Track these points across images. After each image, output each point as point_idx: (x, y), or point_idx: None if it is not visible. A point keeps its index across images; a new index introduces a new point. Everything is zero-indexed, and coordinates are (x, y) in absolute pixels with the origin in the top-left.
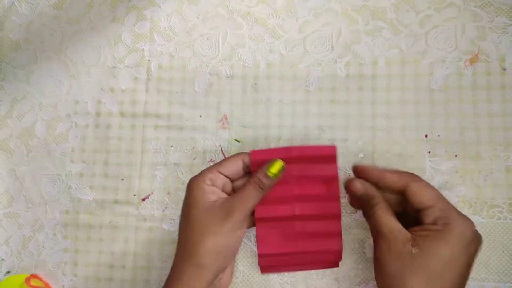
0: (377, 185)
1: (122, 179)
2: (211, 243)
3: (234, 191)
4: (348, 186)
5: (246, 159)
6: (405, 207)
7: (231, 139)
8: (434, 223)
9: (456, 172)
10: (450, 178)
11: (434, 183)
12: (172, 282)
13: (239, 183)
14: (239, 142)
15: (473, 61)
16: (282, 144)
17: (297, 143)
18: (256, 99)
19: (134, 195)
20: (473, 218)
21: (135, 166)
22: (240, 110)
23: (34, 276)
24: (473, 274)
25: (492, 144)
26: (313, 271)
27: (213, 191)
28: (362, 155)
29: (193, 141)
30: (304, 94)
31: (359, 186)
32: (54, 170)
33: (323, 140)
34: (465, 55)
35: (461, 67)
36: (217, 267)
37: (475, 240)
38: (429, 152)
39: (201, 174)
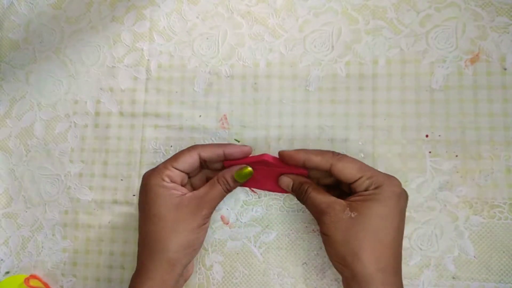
0: (304, 166)
1: (122, 179)
2: (182, 239)
3: (192, 185)
4: (280, 184)
5: (203, 153)
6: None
7: (231, 139)
8: (366, 190)
9: (457, 172)
10: (451, 178)
11: (435, 183)
12: (142, 280)
13: (197, 180)
14: (238, 142)
15: (473, 60)
16: (282, 143)
17: (297, 142)
18: (256, 98)
19: (133, 195)
20: (474, 218)
21: (135, 166)
22: (240, 109)
23: (33, 276)
24: (473, 274)
25: (493, 144)
26: (313, 271)
27: (175, 187)
28: (362, 155)
29: (193, 140)
30: (304, 94)
31: (287, 181)
32: (53, 170)
33: (323, 139)
34: (465, 55)
35: (461, 67)
36: (186, 260)
37: (403, 195)
38: (429, 152)
39: (157, 171)
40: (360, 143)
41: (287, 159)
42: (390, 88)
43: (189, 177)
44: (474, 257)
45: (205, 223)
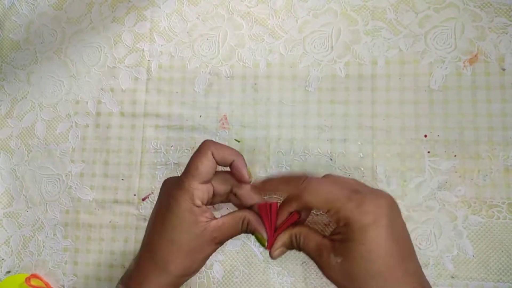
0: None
1: (122, 179)
2: (184, 265)
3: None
4: (275, 255)
5: (216, 153)
6: None
7: (231, 139)
8: (338, 224)
9: (456, 172)
10: (450, 177)
11: (434, 182)
12: (134, 283)
13: (220, 188)
14: (239, 142)
15: (472, 61)
16: (282, 143)
17: (297, 142)
18: (256, 99)
19: (134, 194)
20: (472, 218)
21: (135, 166)
22: (240, 110)
23: (34, 275)
24: (472, 273)
25: (491, 144)
26: (312, 270)
27: (202, 212)
28: (361, 155)
29: (193, 141)
30: (303, 94)
31: (280, 249)
32: (54, 170)
33: (323, 140)
34: (464, 55)
35: (460, 67)
36: (184, 281)
37: (380, 216)
38: (428, 152)
39: (185, 190)
40: (359, 143)
41: (262, 189)
42: (389, 88)
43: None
44: (473, 256)
45: (213, 251)
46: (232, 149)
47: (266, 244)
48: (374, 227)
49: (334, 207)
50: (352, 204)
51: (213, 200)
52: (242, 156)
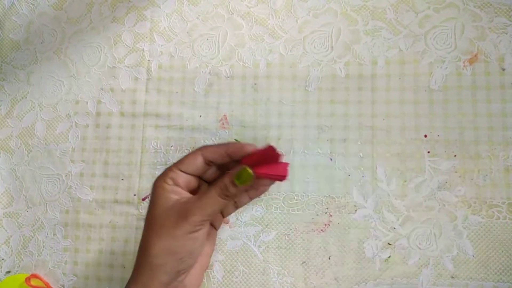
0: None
1: (122, 179)
2: (163, 245)
3: (205, 180)
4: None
5: (206, 153)
6: None
7: (231, 139)
8: None
9: (456, 172)
10: (450, 177)
11: (434, 182)
12: (130, 281)
13: (208, 174)
14: (239, 142)
15: (472, 61)
16: (282, 143)
17: (297, 143)
18: (255, 99)
19: (134, 194)
20: (472, 218)
21: (135, 166)
22: (240, 110)
23: (34, 275)
24: (472, 273)
25: (491, 143)
26: (312, 270)
27: (175, 190)
28: (361, 155)
29: (193, 141)
30: (303, 94)
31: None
32: (54, 170)
33: (323, 140)
34: (464, 55)
35: (460, 67)
36: (171, 268)
37: None
38: (428, 151)
39: (163, 173)
40: (359, 143)
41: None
42: (389, 88)
43: (206, 182)
44: (473, 256)
45: (195, 231)
46: (223, 143)
47: (250, 172)
48: None
49: None
50: None
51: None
52: (233, 142)
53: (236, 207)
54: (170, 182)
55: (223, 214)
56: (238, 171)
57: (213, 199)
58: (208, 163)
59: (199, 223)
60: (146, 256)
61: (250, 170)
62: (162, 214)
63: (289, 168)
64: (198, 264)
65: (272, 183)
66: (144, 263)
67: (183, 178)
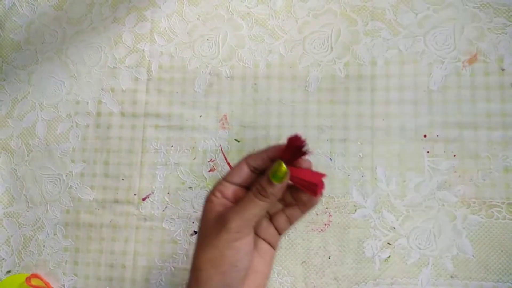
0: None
1: (123, 179)
2: (206, 257)
3: None
4: None
5: (250, 161)
6: None
7: (231, 139)
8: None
9: (455, 171)
10: (449, 177)
11: (433, 182)
12: None
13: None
14: (239, 142)
15: (471, 61)
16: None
17: None
18: (255, 99)
19: (135, 194)
20: (472, 218)
21: (136, 166)
22: (240, 110)
23: (34, 275)
24: (472, 273)
25: (491, 143)
26: (312, 270)
27: (222, 203)
28: (361, 155)
29: (193, 141)
30: (303, 94)
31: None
32: (55, 170)
33: (322, 140)
34: (463, 56)
35: (459, 68)
36: (217, 282)
37: None
38: (428, 151)
39: (213, 187)
40: (359, 143)
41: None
42: (388, 88)
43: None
44: (473, 256)
45: (235, 239)
46: (267, 148)
47: (285, 167)
48: None
49: None
50: None
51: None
52: (274, 146)
53: (290, 222)
54: (218, 195)
55: (278, 230)
56: (272, 168)
57: (250, 202)
58: (254, 170)
59: (238, 229)
60: (193, 270)
61: (284, 166)
62: (207, 226)
63: (324, 180)
64: (253, 281)
65: (316, 192)
66: (192, 277)
67: (231, 190)
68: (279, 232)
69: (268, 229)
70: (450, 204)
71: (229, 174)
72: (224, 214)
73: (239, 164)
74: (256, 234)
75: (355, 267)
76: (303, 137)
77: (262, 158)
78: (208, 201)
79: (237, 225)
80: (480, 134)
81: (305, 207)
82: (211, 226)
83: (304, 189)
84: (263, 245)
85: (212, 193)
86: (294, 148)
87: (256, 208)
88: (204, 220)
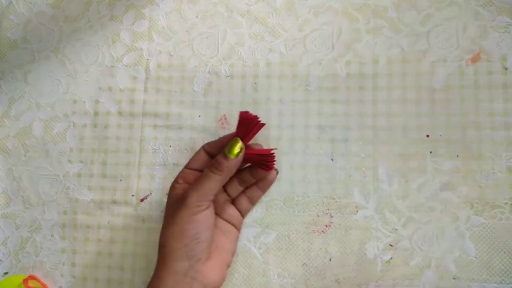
0: None
1: (120, 180)
2: (168, 232)
3: None
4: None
5: (207, 147)
6: None
7: None
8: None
9: (458, 172)
10: (452, 178)
11: (436, 183)
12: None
13: None
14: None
15: (474, 60)
16: (282, 144)
17: (297, 143)
18: (255, 98)
19: (133, 195)
20: (475, 219)
21: (134, 166)
22: (240, 109)
23: (31, 277)
24: (474, 275)
25: (494, 143)
26: (313, 272)
27: (183, 188)
28: (363, 155)
29: (192, 140)
30: (304, 93)
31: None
32: (52, 170)
33: (323, 139)
34: (466, 54)
35: (462, 66)
36: (180, 255)
37: None
38: (430, 152)
39: (176, 176)
40: (360, 143)
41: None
42: (390, 87)
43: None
44: (475, 257)
45: (194, 213)
46: (223, 136)
47: (241, 143)
48: None
49: None
50: None
51: None
52: (231, 133)
53: (251, 202)
54: (180, 181)
55: (241, 211)
56: (229, 144)
57: (206, 177)
58: (210, 155)
59: (196, 204)
60: (159, 248)
61: (240, 142)
62: (169, 208)
63: (274, 153)
64: (217, 256)
65: (272, 170)
66: (159, 254)
67: (192, 175)
68: (242, 214)
69: (230, 211)
70: (453, 205)
71: (188, 162)
72: (184, 193)
73: (197, 152)
74: (220, 216)
75: (356, 269)
76: (250, 113)
77: (219, 143)
78: (172, 188)
79: (195, 200)
80: (483, 134)
81: (264, 185)
82: (173, 206)
83: (259, 165)
84: (226, 226)
85: (175, 180)
86: (247, 121)
87: (211, 181)
88: (168, 204)
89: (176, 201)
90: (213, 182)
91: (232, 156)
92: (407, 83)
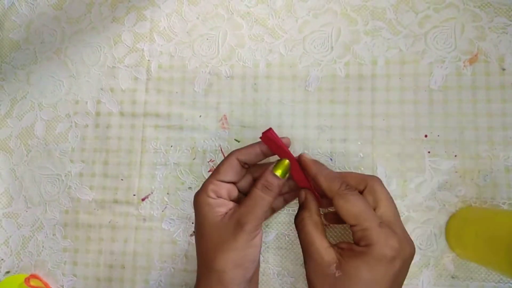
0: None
1: (122, 179)
2: (229, 259)
3: (240, 191)
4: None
5: (240, 156)
6: None
7: (231, 139)
8: (358, 243)
9: (456, 172)
10: (450, 178)
11: (434, 182)
12: None
13: (243, 183)
14: (238, 142)
15: (472, 61)
16: None
17: (297, 143)
18: (255, 99)
19: (134, 195)
20: None
21: (135, 166)
22: (240, 110)
23: (33, 276)
24: (473, 274)
25: (492, 144)
26: None
27: (220, 204)
28: (361, 155)
29: (193, 141)
30: (303, 94)
31: (302, 194)
32: (54, 170)
33: (323, 140)
34: (464, 55)
35: (460, 67)
36: (240, 279)
37: (399, 257)
38: (428, 152)
39: (203, 188)
40: (359, 143)
41: (302, 164)
42: (389, 88)
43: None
44: None
45: (253, 238)
46: (255, 143)
47: (287, 161)
48: (389, 263)
49: (361, 225)
50: (382, 231)
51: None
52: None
53: (286, 202)
54: (213, 195)
55: (274, 208)
56: (277, 163)
57: (258, 199)
58: (243, 165)
59: (255, 228)
60: (213, 272)
61: (287, 161)
62: (217, 230)
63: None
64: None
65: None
66: (213, 278)
67: (224, 188)
68: (274, 210)
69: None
70: (451, 205)
71: (219, 173)
72: (237, 217)
73: (227, 161)
74: None
75: None
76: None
77: (255, 152)
78: (204, 203)
79: (254, 225)
80: (481, 134)
81: (290, 196)
82: (223, 229)
83: (300, 184)
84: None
85: (205, 194)
86: (274, 141)
87: (265, 204)
88: (209, 222)
89: (228, 225)
90: (266, 204)
91: (282, 177)
92: (406, 84)
